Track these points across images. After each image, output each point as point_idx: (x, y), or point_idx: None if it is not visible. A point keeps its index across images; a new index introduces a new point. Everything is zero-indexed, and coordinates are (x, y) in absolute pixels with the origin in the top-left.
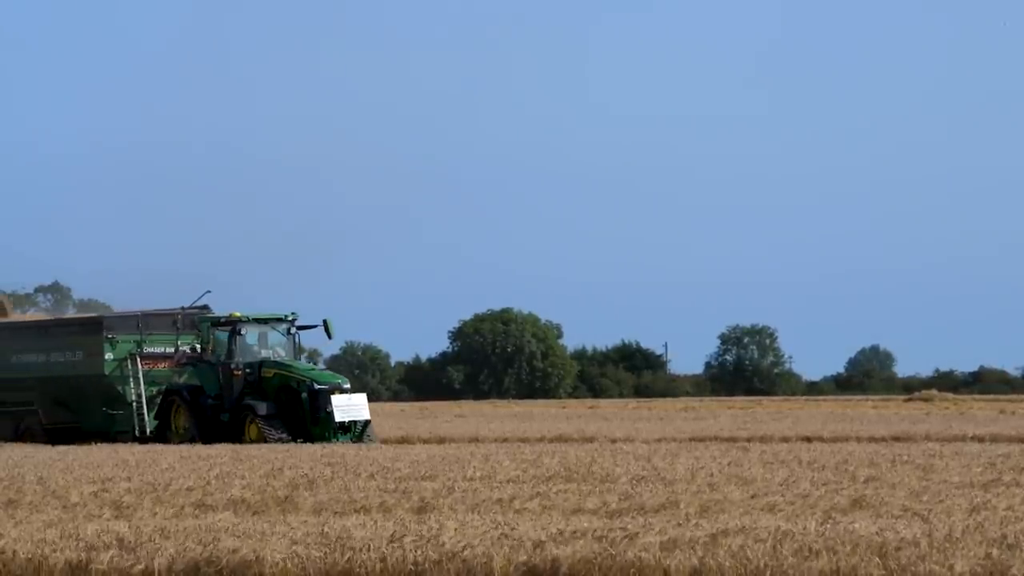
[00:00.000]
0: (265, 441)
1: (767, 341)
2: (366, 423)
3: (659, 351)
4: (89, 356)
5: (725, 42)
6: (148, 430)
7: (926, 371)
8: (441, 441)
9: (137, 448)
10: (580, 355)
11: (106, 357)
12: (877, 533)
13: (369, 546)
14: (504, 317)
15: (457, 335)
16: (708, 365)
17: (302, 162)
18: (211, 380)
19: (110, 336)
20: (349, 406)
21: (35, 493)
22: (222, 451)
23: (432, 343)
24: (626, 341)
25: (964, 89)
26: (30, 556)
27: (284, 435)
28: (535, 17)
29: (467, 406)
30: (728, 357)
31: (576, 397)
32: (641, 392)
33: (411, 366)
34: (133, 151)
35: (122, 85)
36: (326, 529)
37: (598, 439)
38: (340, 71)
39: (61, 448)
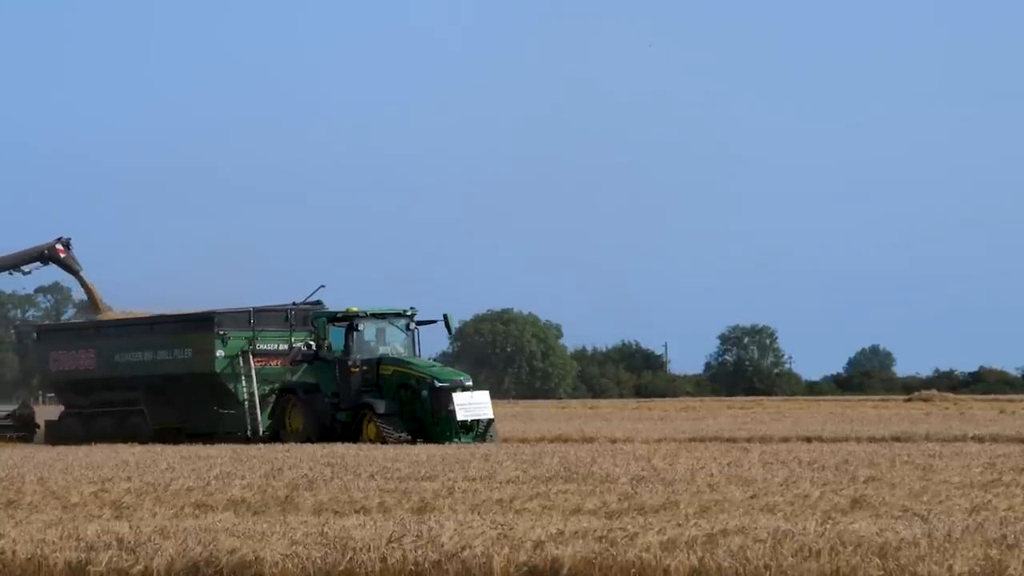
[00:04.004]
0: (384, 442)
1: (767, 341)
2: (489, 422)
3: (659, 351)
4: (199, 354)
5: (726, 41)
6: (261, 430)
7: (926, 371)
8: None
9: (137, 448)
10: (580, 355)
11: (217, 354)
12: (877, 533)
13: (369, 546)
14: (504, 317)
15: (457, 335)
16: (708, 365)
17: (300, 164)
18: (328, 378)
19: (221, 333)
20: (471, 404)
21: (35, 493)
22: (222, 451)
23: (432, 343)
24: (626, 341)
25: (965, 88)
26: (30, 556)
27: (403, 435)
28: (538, 18)
29: None
30: (728, 357)
31: (576, 397)
32: (641, 392)
33: None
34: (130, 148)
35: (123, 81)
36: (326, 529)
37: (598, 439)
38: (339, 76)
39: (61, 448)
